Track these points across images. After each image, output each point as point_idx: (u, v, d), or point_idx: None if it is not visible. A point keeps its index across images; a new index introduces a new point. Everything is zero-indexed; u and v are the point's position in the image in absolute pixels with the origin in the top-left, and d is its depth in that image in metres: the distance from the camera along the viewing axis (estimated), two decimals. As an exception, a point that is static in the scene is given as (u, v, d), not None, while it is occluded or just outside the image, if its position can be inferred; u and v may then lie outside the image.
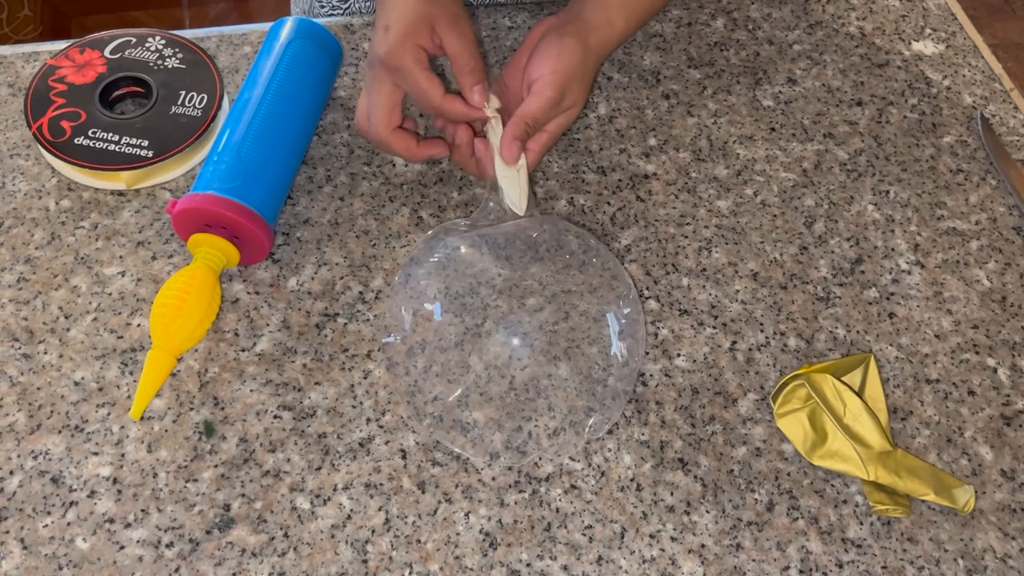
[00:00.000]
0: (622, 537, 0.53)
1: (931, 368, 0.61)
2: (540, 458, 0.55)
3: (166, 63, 0.68)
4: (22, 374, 0.56)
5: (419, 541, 0.52)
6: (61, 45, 0.70)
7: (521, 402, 0.56)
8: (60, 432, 0.54)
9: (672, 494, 0.55)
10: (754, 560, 0.53)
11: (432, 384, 0.56)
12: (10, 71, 0.71)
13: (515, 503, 0.54)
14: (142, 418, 0.55)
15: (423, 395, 0.56)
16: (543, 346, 0.57)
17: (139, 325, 0.59)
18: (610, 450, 0.56)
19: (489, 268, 0.59)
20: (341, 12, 0.81)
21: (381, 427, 0.56)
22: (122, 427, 0.55)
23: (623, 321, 0.58)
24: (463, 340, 0.57)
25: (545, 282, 0.59)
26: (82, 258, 0.61)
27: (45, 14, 1.98)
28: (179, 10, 2.10)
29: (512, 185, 0.60)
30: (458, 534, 0.53)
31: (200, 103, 0.66)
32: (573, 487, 0.55)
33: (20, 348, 0.57)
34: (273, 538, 0.52)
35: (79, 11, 2.05)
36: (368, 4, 0.81)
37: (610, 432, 0.57)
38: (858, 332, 0.62)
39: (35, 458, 0.54)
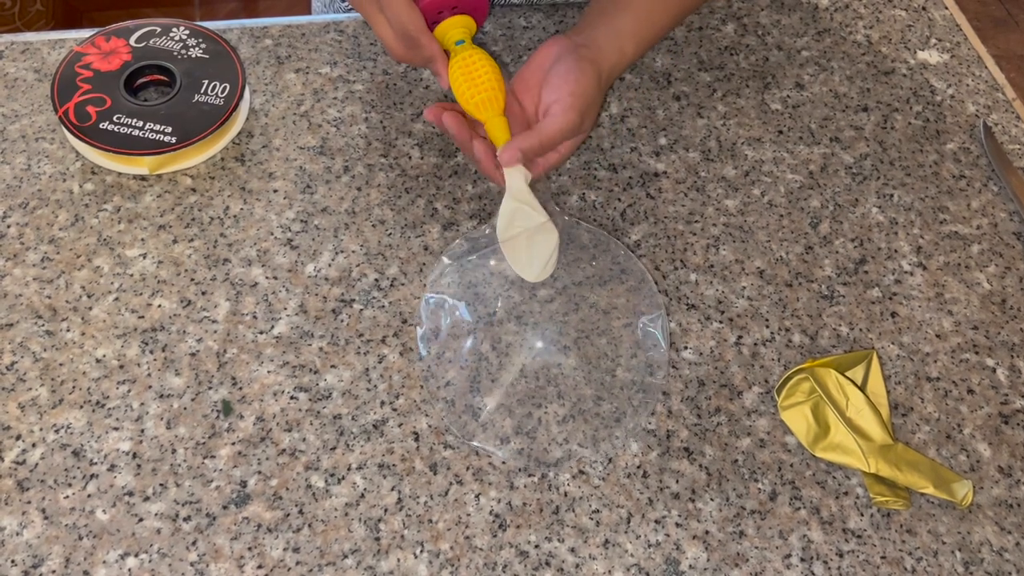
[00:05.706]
0: (628, 522, 0.55)
1: (932, 366, 0.63)
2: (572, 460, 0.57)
3: (190, 53, 0.69)
4: (45, 350, 0.58)
5: (430, 521, 0.54)
6: (86, 33, 0.71)
7: (532, 389, 0.58)
8: (82, 407, 0.56)
9: (677, 482, 0.56)
10: (757, 547, 0.54)
11: (446, 371, 0.58)
12: (36, 57, 0.72)
13: (524, 486, 0.55)
14: (160, 396, 0.56)
15: (436, 380, 0.57)
16: (558, 337, 0.59)
17: (159, 306, 0.60)
18: (617, 438, 0.57)
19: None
20: (359, 8, 0.83)
21: (395, 410, 0.57)
22: (142, 404, 0.56)
23: (649, 328, 0.59)
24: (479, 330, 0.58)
25: (560, 278, 0.61)
26: (105, 240, 0.63)
27: (57, 8, 2.00)
28: (191, 8, 2.12)
29: (516, 249, 0.59)
30: (468, 515, 0.54)
31: (222, 92, 0.67)
32: (581, 472, 0.56)
33: (43, 325, 0.59)
34: (288, 515, 0.53)
35: (90, 6, 2.06)
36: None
37: (617, 420, 0.58)
38: (861, 330, 0.64)
39: (57, 431, 0.55)
